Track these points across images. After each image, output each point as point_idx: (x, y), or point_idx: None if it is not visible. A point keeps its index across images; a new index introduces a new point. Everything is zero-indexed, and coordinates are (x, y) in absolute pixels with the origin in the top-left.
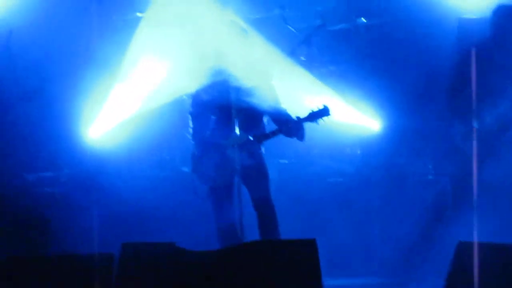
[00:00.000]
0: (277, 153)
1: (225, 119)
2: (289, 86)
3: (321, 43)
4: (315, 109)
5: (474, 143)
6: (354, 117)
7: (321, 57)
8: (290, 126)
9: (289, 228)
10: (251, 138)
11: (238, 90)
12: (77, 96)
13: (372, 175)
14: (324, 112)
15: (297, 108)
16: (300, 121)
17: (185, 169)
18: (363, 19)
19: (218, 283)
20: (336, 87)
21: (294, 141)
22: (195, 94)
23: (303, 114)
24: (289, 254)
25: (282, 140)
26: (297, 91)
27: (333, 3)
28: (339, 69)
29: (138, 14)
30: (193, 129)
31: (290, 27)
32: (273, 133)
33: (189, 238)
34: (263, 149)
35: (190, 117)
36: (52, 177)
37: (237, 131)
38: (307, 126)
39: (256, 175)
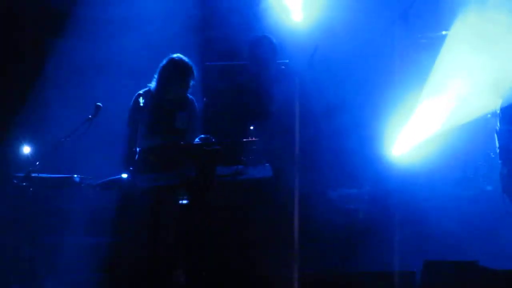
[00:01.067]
0: None
1: None
2: None
3: None
4: None
5: None
6: None
7: None
8: None
9: None
10: None
11: None
12: (379, 113)
13: None
14: None
15: None
16: None
17: (489, 187)
18: None
19: None
20: None
21: None
22: (502, 111)
23: None
24: None
25: None
26: None
27: None
28: None
29: (443, 33)
30: (500, 147)
31: None
32: None
33: (493, 257)
34: None
35: (496, 135)
36: (356, 194)
37: None
38: None
39: None
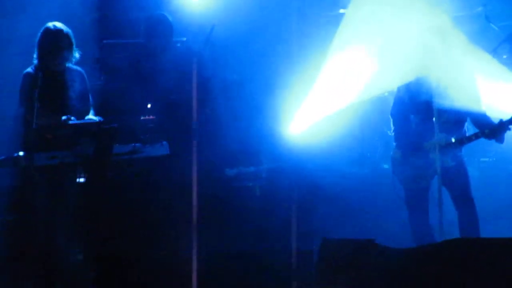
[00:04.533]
0: (478, 151)
1: (427, 121)
2: (490, 85)
3: None
4: None
5: None
6: None
7: None
8: (493, 129)
9: (489, 226)
10: (453, 140)
11: (441, 91)
12: (278, 91)
13: None
14: None
15: (498, 107)
16: (503, 124)
17: (386, 166)
18: None
19: (416, 279)
20: None
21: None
22: (397, 94)
23: (505, 116)
24: (491, 253)
25: (482, 139)
26: (498, 90)
27: None
28: None
29: (341, 11)
30: (395, 130)
31: (493, 25)
32: (476, 136)
33: (388, 236)
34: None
35: (391, 118)
36: (253, 172)
37: (439, 133)
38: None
39: (456, 175)
